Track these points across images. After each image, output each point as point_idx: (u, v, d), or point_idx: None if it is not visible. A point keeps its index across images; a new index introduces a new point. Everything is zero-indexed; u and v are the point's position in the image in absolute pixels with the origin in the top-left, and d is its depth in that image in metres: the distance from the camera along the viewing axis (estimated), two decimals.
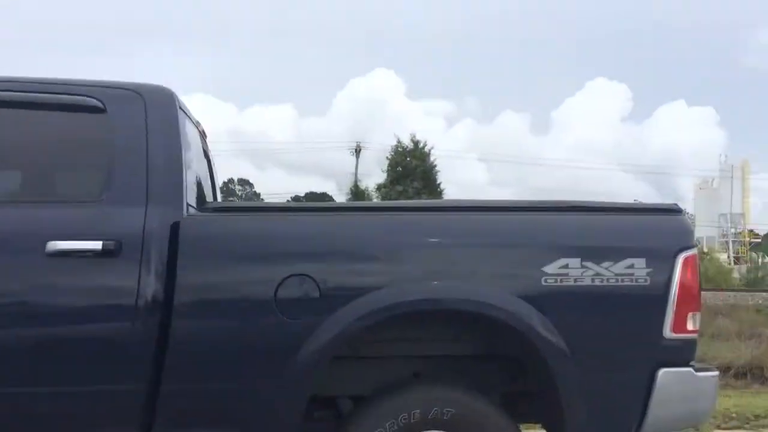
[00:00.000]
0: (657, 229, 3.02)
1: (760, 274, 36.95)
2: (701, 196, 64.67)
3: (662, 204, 3.28)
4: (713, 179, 63.80)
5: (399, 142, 37.64)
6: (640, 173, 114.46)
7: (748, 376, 8.51)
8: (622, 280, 2.79)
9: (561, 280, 2.74)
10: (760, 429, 6.26)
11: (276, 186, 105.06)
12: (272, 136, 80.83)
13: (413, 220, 3.05)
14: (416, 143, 37.58)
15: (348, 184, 43.11)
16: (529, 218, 3.04)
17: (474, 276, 2.83)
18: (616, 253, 2.81)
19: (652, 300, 2.82)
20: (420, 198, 35.24)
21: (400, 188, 35.97)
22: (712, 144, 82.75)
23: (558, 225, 2.98)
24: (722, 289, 23.21)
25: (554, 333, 2.71)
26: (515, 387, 3.05)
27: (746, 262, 50.34)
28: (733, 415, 6.50)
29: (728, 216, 60.47)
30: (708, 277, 31.23)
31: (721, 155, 65.26)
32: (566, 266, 2.75)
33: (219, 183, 4.32)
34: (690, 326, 2.86)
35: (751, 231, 61.84)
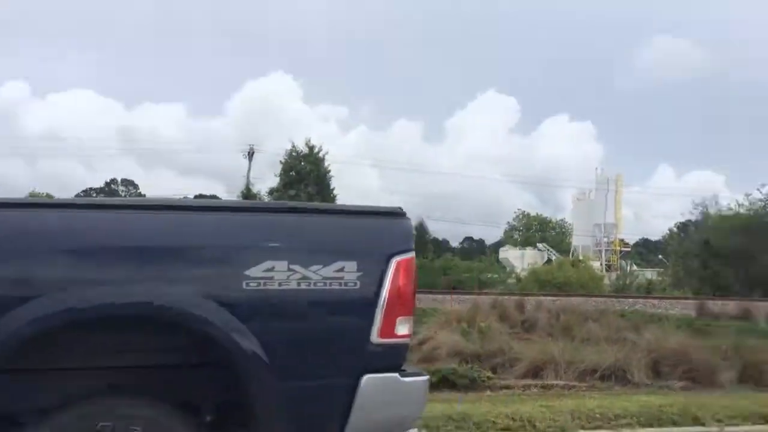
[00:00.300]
0: (373, 232, 2.95)
1: (627, 281, 39.60)
2: (579, 206, 68.42)
3: (384, 207, 3.18)
4: (590, 191, 67.69)
5: (294, 146, 37.50)
6: (526, 183, 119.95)
7: (613, 378, 9.06)
8: (331, 284, 2.69)
9: (264, 284, 2.60)
10: (621, 429, 6.71)
11: (164, 187, 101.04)
12: (162, 136, 77.69)
13: (98, 217, 2.76)
14: (311, 148, 37.52)
15: (240, 187, 42.37)
16: (232, 218, 2.87)
17: (162, 279, 2.60)
18: (326, 256, 2.71)
19: (361, 304, 2.75)
20: (313, 202, 35.32)
21: (293, 192, 35.76)
22: (590, 157, 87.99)
23: (265, 226, 2.83)
24: (593, 295, 24.72)
25: (250, 339, 2.55)
26: (229, 397, 2.80)
27: (616, 269, 53.87)
28: (597, 415, 6.92)
29: (602, 226, 64.43)
30: (582, 284, 33.27)
31: (597, 168, 69.33)
32: (272, 269, 2.61)
33: None
34: (400, 331, 2.82)
35: (621, 240, 66.22)
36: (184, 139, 79.57)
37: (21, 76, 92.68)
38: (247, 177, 45.78)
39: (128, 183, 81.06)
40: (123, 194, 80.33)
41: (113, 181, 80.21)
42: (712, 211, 41.57)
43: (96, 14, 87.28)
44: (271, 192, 38.06)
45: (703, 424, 7.05)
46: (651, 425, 6.89)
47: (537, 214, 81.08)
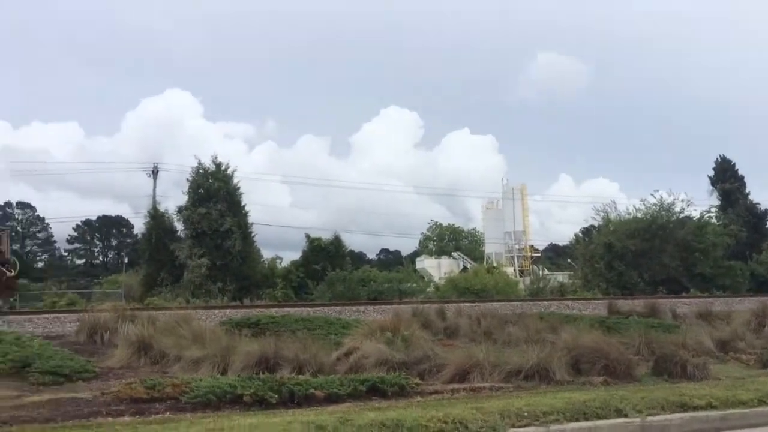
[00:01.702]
0: None
1: (541, 285, 40.94)
2: (488, 216, 70.45)
3: None
4: (497, 201, 69.87)
5: (200, 163, 36.54)
6: (435, 195, 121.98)
7: (536, 377, 9.23)
8: None
9: None
10: (549, 425, 6.83)
11: (64, 210, 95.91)
12: (55, 156, 73.78)
13: None
14: (218, 165, 36.69)
15: (145, 206, 40.95)
16: None
17: None
18: None
19: None
20: (224, 219, 34.56)
21: (203, 210, 34.86)
22: (493, 169, 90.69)
23: None
24: (511, 300, 25.36)
25: None
26: None
27: (529, 274, 55.61)
28: (525, 413, 7.02)
29: (512, 234, 66.55)
30: (498, 289, 34.14)
31: (503, 179, 71.78)
32: None
33: None
34: None
35: (531, 246, 68.55)
36: (80, 159, 75.95)
37: None
38: (153, 195, 44.29)
39: (25, 206, 76.55)
40: (19, 217, 75.76)
41: (8, 204, 75.53)
42: (612, 216, 43.75)
43: None
44: (179, 210, 36.96)
45: (625, 416, 7.29)
46: (577, 419, 7.05)
47: (449, 224, 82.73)
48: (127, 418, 7.04)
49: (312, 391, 7.81)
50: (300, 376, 8.53)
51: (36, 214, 75.93)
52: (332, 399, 7.83)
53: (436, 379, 9.41)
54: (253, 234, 37.74)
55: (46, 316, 16.05)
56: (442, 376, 9.42)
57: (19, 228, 70.20)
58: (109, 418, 7.02)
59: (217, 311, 16.87)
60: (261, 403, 7.55)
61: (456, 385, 8.92)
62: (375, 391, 8.22)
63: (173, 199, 36.22)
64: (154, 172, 44.10)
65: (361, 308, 18.57)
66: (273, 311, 16.89)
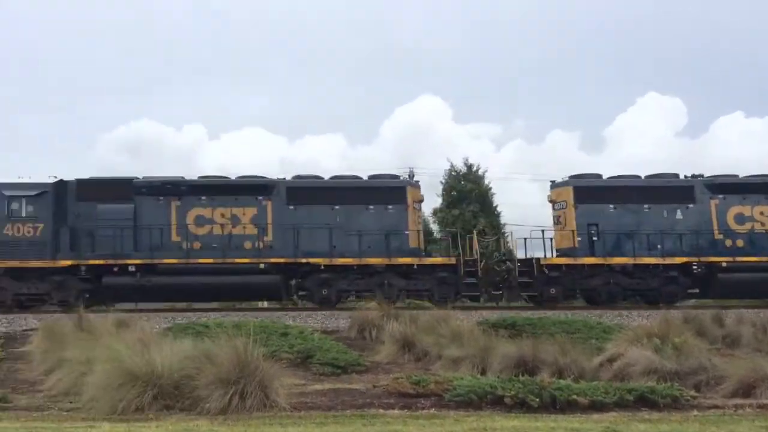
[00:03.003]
0: None
1: None
2: None
3: None
4: None
5: (452, 166, 37.69)
6: None
7: None
8: None
9: None
10: None
11: None
12: (323, 166, 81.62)
13: None
14: (469, 167, 37.48)
15: None
16: None
17: None
18: None
19: None
20: (477, 220, 35.15)
21: (456, 212, 35.81)
22: None
23: None
24: None
25: None
26: None
27: None
28: None
29: None
30: None
31: None
32: None
33: None
34: None
35: None
36: (343, 167, 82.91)
37: (198, 119, 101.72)
38: None
39: None
40: None
41: None
42: None
43: (254, 58, 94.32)
44: (434, 212, 38.35)
45: None
46: None
47: None
48: (396, 411, 7.51)
49: (574, 397, 7.57)
50: (561, 381, 8.31)
51: None
52: (596, 407, 7.51)
53: (715, 392, 8.53)
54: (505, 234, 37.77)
55: (323, 312, 17.78)
56: (722, 390, 8.50)
57: None
58: (381, 410, 7.55)
59: (473, 312, 17.20)
60: (522, 406, 7.51)
61: (739, 401, 7.99)
62: (644, 402, 7.70)
63: (429, 201, 37.74)
64: (410, 177, 46.41)
65: (624, 312, 17.53)
66: (529, 313, 16.73)
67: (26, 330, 14.42)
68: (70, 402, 8.15)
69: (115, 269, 19.62)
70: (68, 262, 19.53)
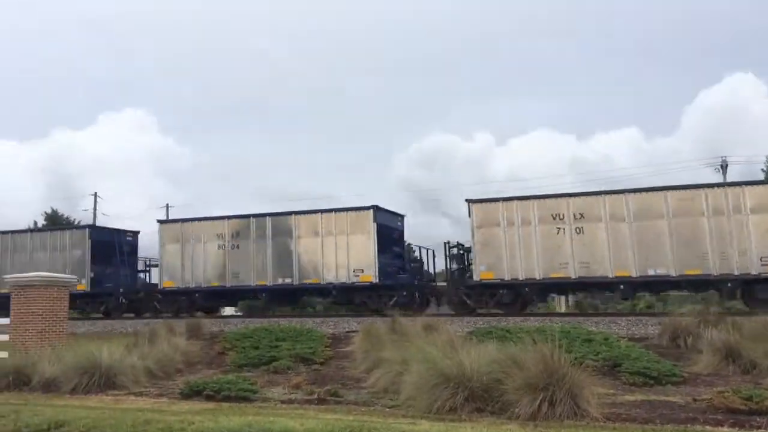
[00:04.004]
0: None
1: None
2: None
3: None
4: None
5: None
6: None
7: None
8: None
9: None
10: None
11: None
12: (617, 163, 77.06)
13: None
14: None
15: None
16: None
17: None
18: None
19: None
20: None
21: None
22: None
23: None
24: None
25: None
26: None
27: None
28: None
29: None
30: None
31: None
32: None
33: None
34: None
35: None
36: (639, 162, 77.13)
37: (486, 128, 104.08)
38: None
39: None
40: None
41: None
42: None
43: (540, 61, 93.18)
44: None
45: None
46: None
47: None
48: (726, 429, 6.72)
49: None
50: None
51: None
52: None
53: None
54: None
55: (628, 318, 16.81)
56: None
57: None
58: (708, 427, 6.82)
59: None
60: None
61: None
62: None
63: None
64: (723, 167, 41.05)
65: None
66: None
67: (349, 332, 16.12)
68: (390, 399, 8.84)
69: None
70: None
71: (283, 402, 9.20)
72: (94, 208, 51.46)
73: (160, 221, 26.90)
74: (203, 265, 24.72)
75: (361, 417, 7.67)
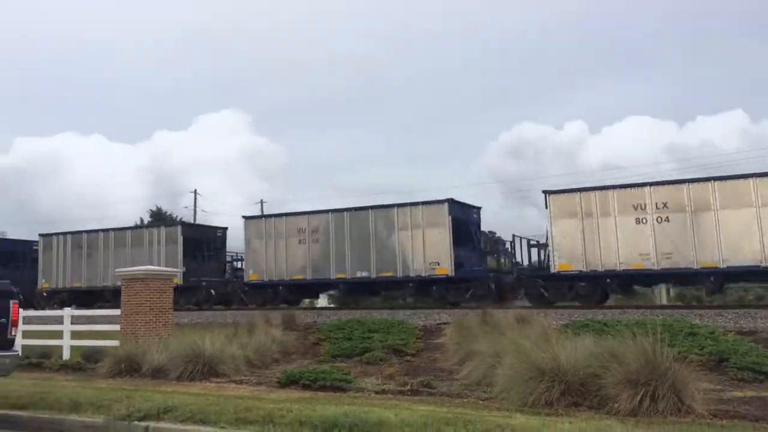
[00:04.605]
0: None
1: None
2: None
3: None
4: None
5: None
6: None
7: None
8: None
9: None
10: None
11: None
12: (720, 148, 72.58)
13: None
14: None
15: None
16: None
17: None
18: None
19: None
20: None
21: None
22: None
23: None
24: None
25: None
26: None
27: None
28: None
29: None
30: None
31: None
32: None
33: None
34: None
35: None
36: (746, 146, 72.42)
37: (577, 117, 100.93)
38: None
39: None
40: None
41: None
42: None
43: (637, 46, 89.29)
44: None
45: None
46: None
47: None
48: None
49: None
50: None
51: None
52: None
53: None
54: None
55: (736, 311, 15.91)
56: None
57: None
58: None
59: None
60: None
61: None
62: None
63: None
64: None
65: None
66: None
67: (440, 324, 16.13)
68: (483, 392, 8.79)
69: None
70: None
71: (376, 392, 9.33)
72: (194, 205, 53.79)
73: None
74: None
75: (455, 409, 7.66)
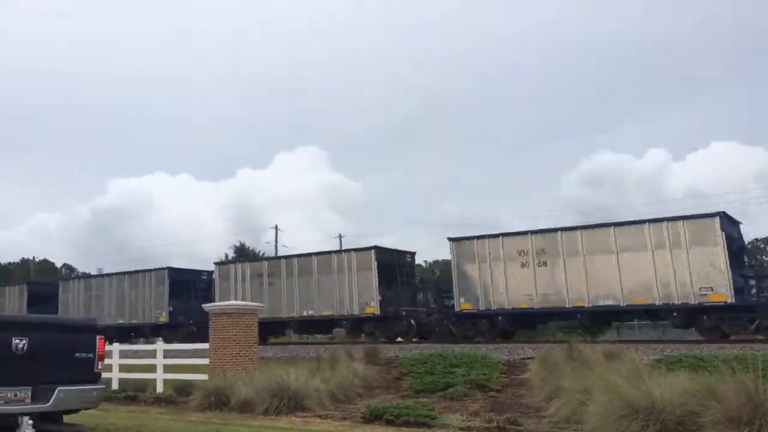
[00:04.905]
0: None
1: None
2: None
3: None
4: None
5: None
6: None
7: None
8: None
9: None
10: None
11: None
12: None
13: None
14: None
15: None
16: None
17: None
18: None
19: None
20: None
21: None
22: None
23: None
24: None
25: None
26: None
27: None
28: None
29: None
30: None
31: None
32: None
33: None
34: None
35: None
36: None
37: (659, 144, 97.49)
38: None
39: None
40: None
41: None
42: None
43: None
44: None
45: None
46: None
47: None
48: None
49: None
50: None
51: None
52: None
53: None
54: None
55: None
56: None
57: None
58: None
59: None
60: None
61: None
62: None
63: None
64: None
65: None
66: None
67: (524, 358, 15.77)
68: (574, 429, 8.51)
69: None
70: None
71: (461, 429, 9.20)
72: (276, 240, 55.12)
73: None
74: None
75: None
